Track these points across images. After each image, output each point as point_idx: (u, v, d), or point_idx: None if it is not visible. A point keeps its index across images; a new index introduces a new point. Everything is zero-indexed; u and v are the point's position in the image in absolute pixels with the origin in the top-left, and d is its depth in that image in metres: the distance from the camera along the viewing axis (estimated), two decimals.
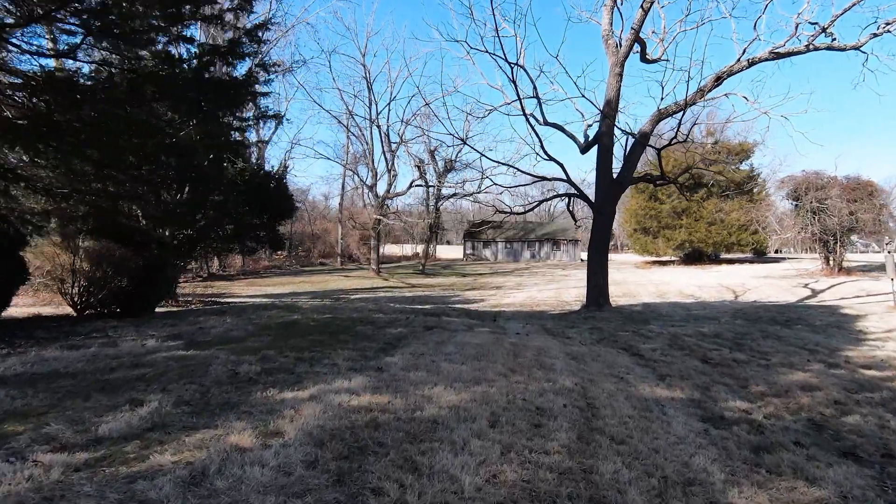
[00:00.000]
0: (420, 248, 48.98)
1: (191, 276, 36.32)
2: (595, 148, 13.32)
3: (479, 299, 20.95)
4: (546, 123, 13.72)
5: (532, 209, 13.53)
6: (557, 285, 27.53)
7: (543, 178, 13.08)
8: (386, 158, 35.29)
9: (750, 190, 43.78)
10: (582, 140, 14.04)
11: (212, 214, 13.62)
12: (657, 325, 10.42)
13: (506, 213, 14.11)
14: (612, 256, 68.58)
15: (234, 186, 14.02)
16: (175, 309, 11.76)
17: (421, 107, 34.02)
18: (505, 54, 12.33)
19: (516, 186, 13.71)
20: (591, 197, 13.59)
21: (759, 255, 44.26)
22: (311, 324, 8.22)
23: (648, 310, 16.99)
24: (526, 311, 15.72)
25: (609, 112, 12.61)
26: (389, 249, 57.73)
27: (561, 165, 13.28)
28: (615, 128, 12.55)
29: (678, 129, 10.53)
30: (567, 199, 13.88)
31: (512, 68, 12.59)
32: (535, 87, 13.44)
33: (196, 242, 13.99)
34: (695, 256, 44.68)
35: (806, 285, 23.12)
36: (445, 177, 42.50)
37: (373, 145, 34.90)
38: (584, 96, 10.63)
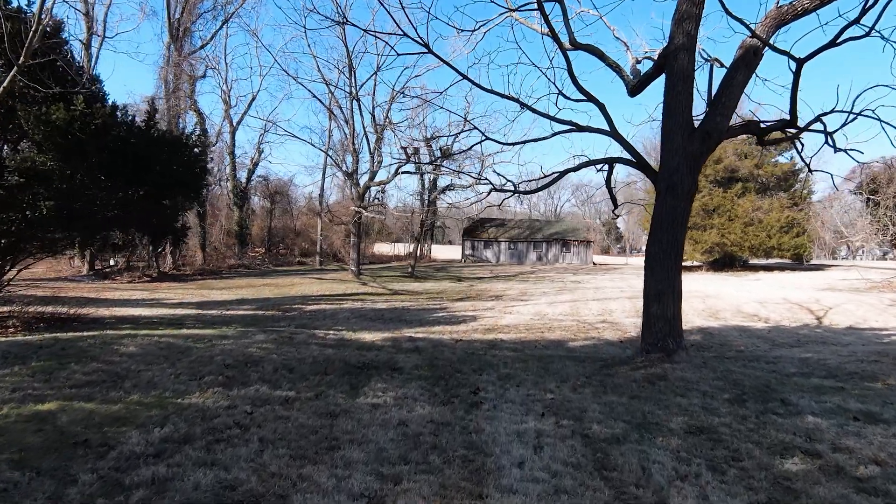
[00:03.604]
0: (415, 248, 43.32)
1: (137, 276, 31.04)
2: (660, 81, 7.86)
3: (470, 316, 15.50)
4: (575, 46, 8.24)
5: (546, 186, 8.04)
6: (572, 296, 22.02)
7: (573, 127, 7.57)
8: (368, 141, 29.88)
9: (791, 185, 38.11)
10: (630, 76, 8.56)
11: (14, 182, 8.22)
12: (816, 413, 4.94)
13: (508, 191, 8.65)
14: (625, 261, 62.49)
15: (60, 139, 8.62)
16: None
17: (412, 77, 28.62)
18: None
19: (530, 142, 8.04)
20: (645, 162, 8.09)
21: (800, 262, 38.43)
22: None
23: (716, 342, 11.52)
24: (534, 346, 10.26)
25: (689, 10, 7.12)
26: (380, 248, 52.36)
27: (601, 107, 7.78)
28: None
29: (866, 6, 5.03)
30: (607, 168, 8.37)
31: None
32: None
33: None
34: (725, 262, 38.99)
35: None
36: (441, 167, 37.05)
37: (353, 125, 29.47)
38: None
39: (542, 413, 4.54)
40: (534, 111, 7.54)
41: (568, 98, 8.19)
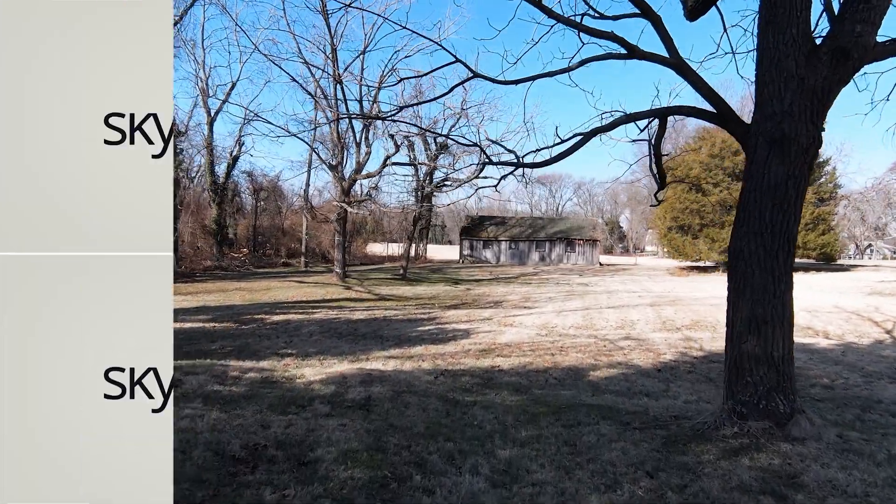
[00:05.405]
0: (413, 248, 40.19)
1: None
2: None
3: (462, 331, 12.64)
4: None
5: (566, 154, 5.03)
6: (582, 302, 19.15)
7: (619, 45, 4.68)
8: (354, 130, 27.04)
9: (815, 179, 35.20)
10: None
11: None
12: None
13: (513, 164, 5.73)
14: (633, 261, 59.31)
15: None
16: None
17: (401, 59, 25.78)
18: None
19: (544, 76, 5.09)
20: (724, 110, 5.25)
21: (829, 261, 35.49)
22: None
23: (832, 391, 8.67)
24: (546, 380, 7.43)
25: None
26: (373, 249, 49.54)
27: (656, 22, 4.92)
28: None
29: None
30: (658, 123, 5.49)
31: None
32: None
33: None
34: None
35: None
36: (437, 159, 34.28)
37: (337, 111, 26.57)
38: None
39: None
40: (552, 14, 4.65)
41: (601, 16, 5.28)
